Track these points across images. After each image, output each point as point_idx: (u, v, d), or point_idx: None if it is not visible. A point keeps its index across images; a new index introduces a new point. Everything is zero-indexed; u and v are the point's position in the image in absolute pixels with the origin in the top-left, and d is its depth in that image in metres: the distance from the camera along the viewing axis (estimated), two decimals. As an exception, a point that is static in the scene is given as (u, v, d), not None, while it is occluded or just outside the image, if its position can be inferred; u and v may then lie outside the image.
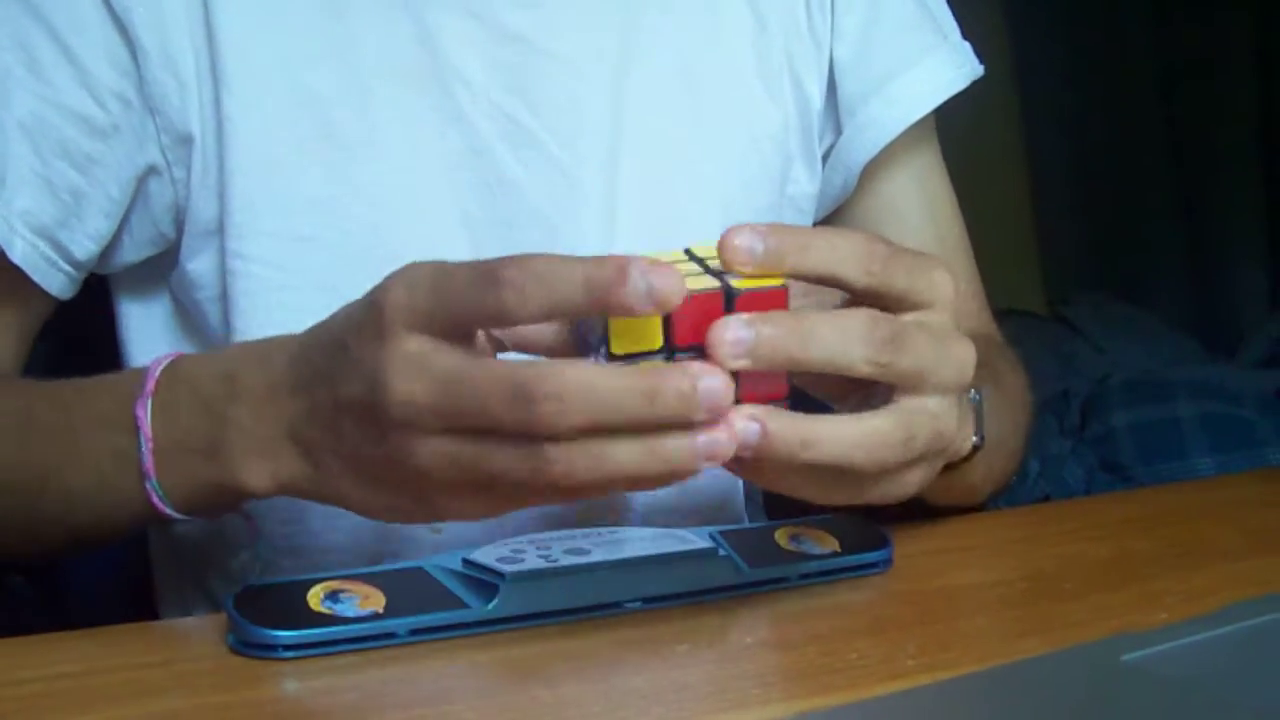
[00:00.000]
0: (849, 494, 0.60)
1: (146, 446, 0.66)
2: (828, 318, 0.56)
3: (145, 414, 0.66)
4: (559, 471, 0.54)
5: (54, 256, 0.79)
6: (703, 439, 0.54)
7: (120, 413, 0.67)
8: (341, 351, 0.58)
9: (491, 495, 0.57)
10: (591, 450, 0.53)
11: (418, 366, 0.55)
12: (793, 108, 0.90)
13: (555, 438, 0.53)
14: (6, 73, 0.77)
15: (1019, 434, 0.87)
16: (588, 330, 0.57)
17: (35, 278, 0.79)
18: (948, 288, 0.60)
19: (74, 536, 0.75)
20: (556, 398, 0.52)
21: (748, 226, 0.56)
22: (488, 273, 0.53)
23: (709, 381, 0.53)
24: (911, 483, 0.61)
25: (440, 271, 0.55)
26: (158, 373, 0.67)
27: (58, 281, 0.80)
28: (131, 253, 0.83)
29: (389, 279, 0.56)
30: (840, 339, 0.56)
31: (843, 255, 0.57)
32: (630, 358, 0.55)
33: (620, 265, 0.52)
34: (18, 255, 0.77)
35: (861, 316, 0.57)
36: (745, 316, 0.54)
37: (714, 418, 0.53)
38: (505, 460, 0.54)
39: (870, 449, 0.57)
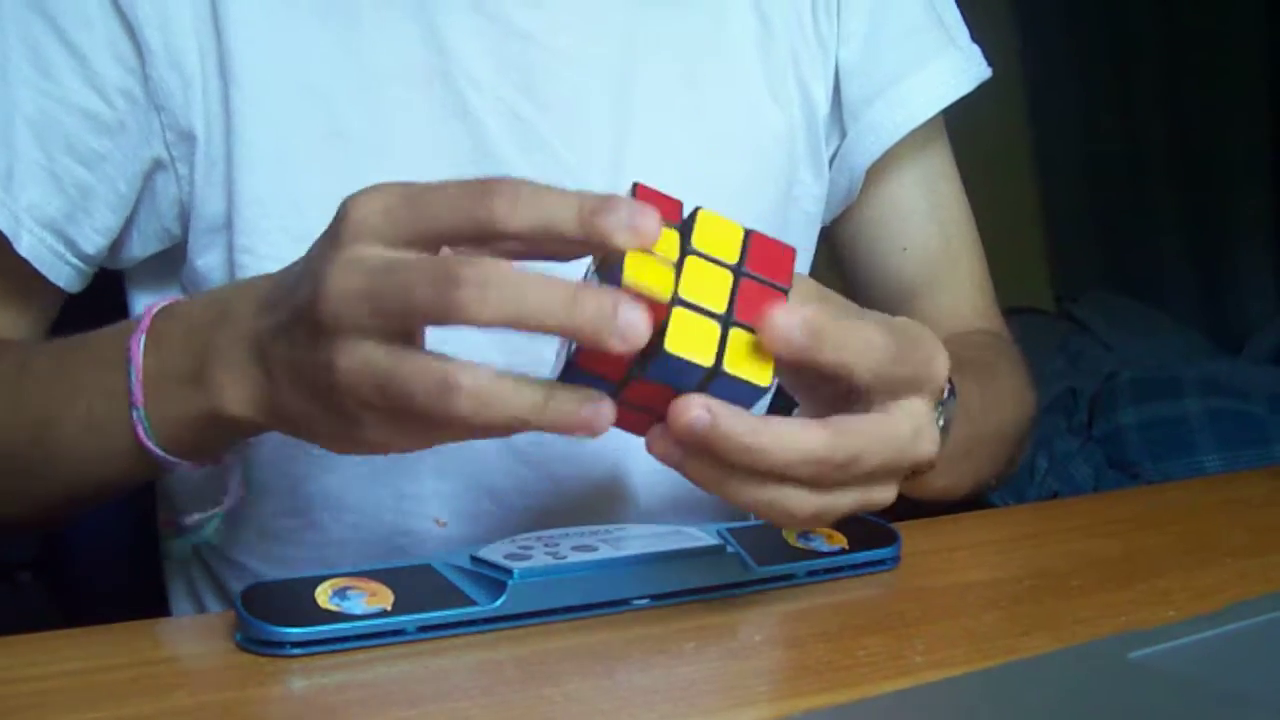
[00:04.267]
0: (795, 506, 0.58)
1: (135, 377, 0.66)
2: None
3: (138, 347, 0.66)
4: (466, 403, 0.52)
5: (61, 250, 0.80)
6: (622, 320, 0.51)
7: (114, 350, 0.68)
8: (305, 262, 0.58)
9: (409, 424, 0.56)
10: (498, 386, 0.52)
11: (359, 265, 0.54)
12: (798, 111, 0.90)
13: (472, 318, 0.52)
14: (14, 70, 0.77)
15: (1003, 444, 0.87)
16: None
17: (42, 270, 0.79)
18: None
19: (67, 491, 0.75)
20: (479, 284, 0.51)
21: (797, 312, 0.55)
22: (481, 183, 0.53)
23: (629, 311, 0.51)
24: (844, 504, 0.60)
25: (420, 187, 0.54)
26: (155, 310, 0.68)
27: (65, 274, 0.81)
28: (139, 248, 0.83)
29: (363, 191, 0.55)
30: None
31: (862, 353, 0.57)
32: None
33: (610, 197, 0.52)
34: (24, 248, 0.78)
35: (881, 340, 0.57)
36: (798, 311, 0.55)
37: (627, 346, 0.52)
38: (415, 374, 0.53)
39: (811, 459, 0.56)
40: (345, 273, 0.54)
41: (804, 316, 0.55)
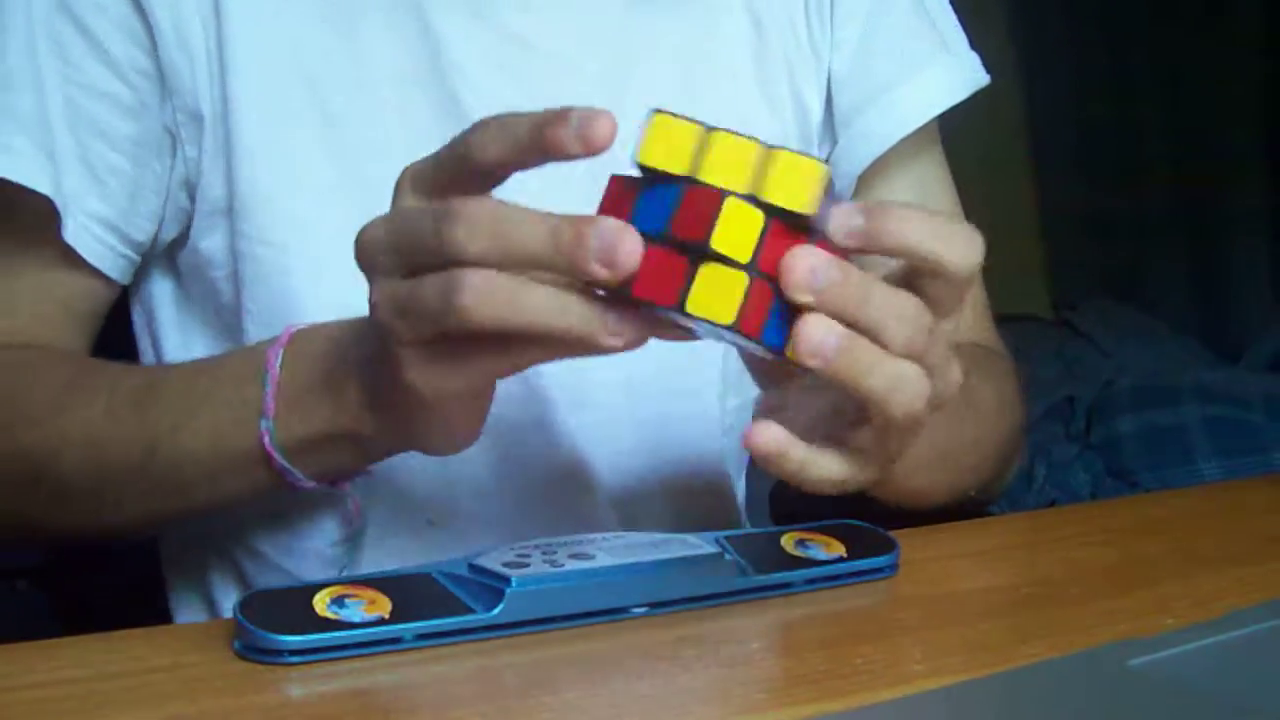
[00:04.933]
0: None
1: (270, 389, 0.68)
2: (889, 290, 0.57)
3: (276, 359, 0.68)
4: (470, 300, 0.54)
5: (111, 240, 0.81)
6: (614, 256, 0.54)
7: (251, 364, 0.69)
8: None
9: (445, 356, 0.58)
10: (501, 283, 0.55)
11: (381, 218, 0.59)
12: (791, 117, 0.91)
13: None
14: (42, 63, 0.78)
15: (980, 450, 0.86)
16: None
17: (91, 260, 0.80)
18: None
19: (181, 504, 0.76)
20: (468, 220, 0.55)
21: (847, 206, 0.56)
22: (445, 210, 0.56)
23: (625, 242, 0.53)
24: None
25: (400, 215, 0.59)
26: (294, 329, 0.70)
27: (119, 266, 0.82)
28: (165, 231, 0.84)
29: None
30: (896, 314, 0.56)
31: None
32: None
33: (580, 231, 0.53)
34: (69, 234, 0.79)
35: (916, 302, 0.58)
36: (824, 255, 0.54)
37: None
38: (428, 290, 0.56)
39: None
40: (373, 222, 0.59)
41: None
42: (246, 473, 0.71)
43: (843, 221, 0.55)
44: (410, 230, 0.57)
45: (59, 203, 0.78)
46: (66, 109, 0.79)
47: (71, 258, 0.80)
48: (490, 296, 0.54)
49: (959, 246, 0.58)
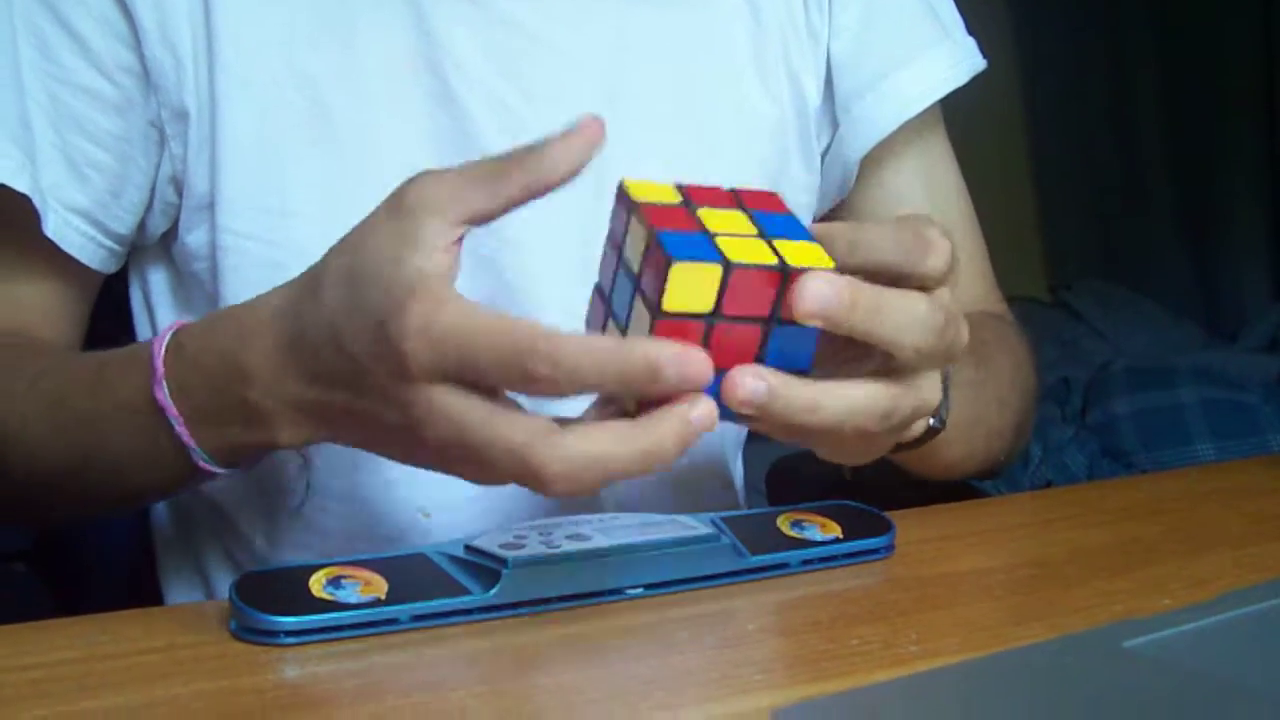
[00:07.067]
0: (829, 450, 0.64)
1: (179, 425, 0.67)
2: (895, 298, 0.57)
3: (165, 397, 0.67)
4: (559, 489, 0.55)
5: (91, 232, 0.81)
6: (695, 415, 0.55)
7: (141, 398, 0.68)
8: (361, 373, 0.58)
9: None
10: (593, 472, 0.55)
11: (450, 418, 0.56)
12: (789, 104, 0.90)
13: None
14: (23, 58, 0.78)
15: (1005, 412, 0.87)
16: (616, 285, 0.58)
17: (70, 252, 0.80)
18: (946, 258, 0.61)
19: (129, 497, 0.77)
20: (565, 476, 0.54)
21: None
22: (519, 367, 0.54)
23: (701, 413, 0.54)
24: (877, 449, 0.65)
25: (464, 330, 0.55)
26: (162, 354, 0.67)
27: (99, 256, 0.82)
28: (152, 225, 0.84)
29: (402, 318, 0.55)
30: (904, 321, 0.57)
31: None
32: (679, 315, 0.54)
33: (652, 364, 0.53)
34: (50, 229, 0.79)
35: (924, 302, 0.58)
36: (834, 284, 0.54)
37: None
38: (507, 472, 0.56)
39: (862, 418, 0.58)
40: (441, 423, 0.56)
41: (838, 288, 0.55)
42: (183, 474, 0.70)
43: (814, 301, 0.55)
44: (490, 464, 0.56)
45: (37, 200, 0.78)
46: (49, 104, 0.79)
47: (53, 249, 0.80)
48: (575, 482, 0.55)
49: (929, 259, 0.59)
